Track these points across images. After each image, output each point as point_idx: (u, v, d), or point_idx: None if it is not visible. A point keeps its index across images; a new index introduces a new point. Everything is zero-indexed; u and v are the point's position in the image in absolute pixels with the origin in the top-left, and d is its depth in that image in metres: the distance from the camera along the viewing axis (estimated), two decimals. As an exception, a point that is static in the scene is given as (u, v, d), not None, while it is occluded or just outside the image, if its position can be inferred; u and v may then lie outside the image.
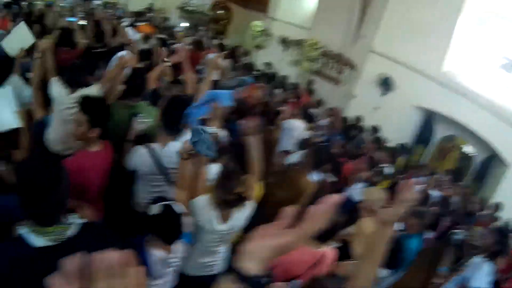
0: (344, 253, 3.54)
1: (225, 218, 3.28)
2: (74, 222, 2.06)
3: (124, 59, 4.53)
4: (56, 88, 4.10)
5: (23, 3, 12.39)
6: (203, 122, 3.83)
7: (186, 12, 19.07)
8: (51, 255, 1.80)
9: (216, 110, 3.65)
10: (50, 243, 1.94)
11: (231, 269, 1.18)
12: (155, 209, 2.86)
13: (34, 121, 4.13)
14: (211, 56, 9.63)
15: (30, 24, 6.76)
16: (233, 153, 3.77)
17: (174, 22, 18.12)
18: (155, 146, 3.70)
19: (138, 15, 15.55)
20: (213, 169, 3.55)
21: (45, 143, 4.01)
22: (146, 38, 9.59)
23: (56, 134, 4.05)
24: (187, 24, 17.31)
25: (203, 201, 3.22)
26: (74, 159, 3.23)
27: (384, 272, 3.74)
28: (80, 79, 4.24)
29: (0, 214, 2.52)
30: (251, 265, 1.18)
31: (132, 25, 11.89)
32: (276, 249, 1.20)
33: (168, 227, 2.87)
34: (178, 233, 2.94)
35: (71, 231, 2.02)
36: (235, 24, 20.03)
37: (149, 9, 19.38)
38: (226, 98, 3.58)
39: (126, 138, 3.93)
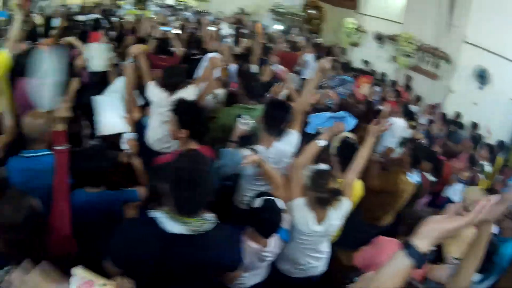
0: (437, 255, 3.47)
1: (321, 219, 3.25)
2: (210, 219, 2.20)
3: (215, 60, 4.64)
4: (154, 91, 4.33)
5: (112, 18, 13.01)
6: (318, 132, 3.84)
7: (278, 14, 19.15)
8: (186, 243, 2.11)
9: (337, 129, 3.63)
10: (186, 232, 2.10)
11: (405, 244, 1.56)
12: (257, 202, 2.90)
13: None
14: (308, 56, 9.66)
15: (122, 37, 7.22)
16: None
17: (267, 24, 18.30)
18: (260, 147, 3.71)
19: (236, 22, 15.79)
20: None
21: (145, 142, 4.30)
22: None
23: (155, 134, 4.36)
24: (281, 27, 17.35)
25: (299, 203, 3.23)
26: (166, 158, 3.36)
27: (476, 277, 3.61)
28: (177, 82, 4.39)
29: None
30: (423, 243, 1.53)
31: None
32: (446, 232, 1.55)
33: (267, 221, 2.90)
34: (276, 228, 2.96)
35: (207, 226, 2.16)
36: (328, 22, 19.88)
37: (241, 13, 19.72)
38: (351, 123, 3.59)
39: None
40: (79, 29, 7.58)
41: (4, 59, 4.27)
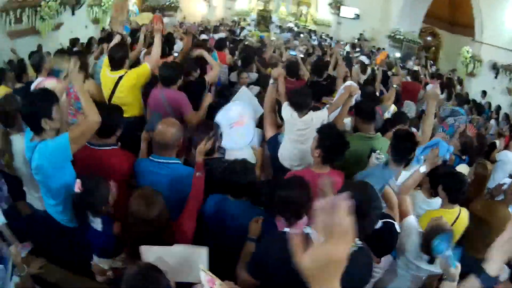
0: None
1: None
2: (357, 244, 2.28)
3: (352, 88, 4.74)
4: (287, 111, 4.48)
5: (236, 37, 13.47)
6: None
7: (395, 41, 18.90)
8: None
9: (432, 155, 3.50)
10: None
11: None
12: (378, 224, 2.87)
13: (268, 139, 4.68)
14: (430, 87, 9.55)
15: (249, 57, 7.56)
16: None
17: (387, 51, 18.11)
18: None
19: (353, 47, 15.80)
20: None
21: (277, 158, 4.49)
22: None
23: (286, 152, 4.50)
24: (398, 54, 17.12)
25: (412, 220, 3.32)
26: (299, 173, 3.58)
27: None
28: (305, 103, 4.46)
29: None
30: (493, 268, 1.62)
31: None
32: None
33: (385, 243, 2.97)
34: (391, 250, 3.07)
35: (352, 249, 2.21)
36: (445, 50, 19.42)
37: (360, 38, 19.71)
38: (444, 148, 3.61)
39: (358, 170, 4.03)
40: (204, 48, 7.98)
41: (146, 71, 4.92)
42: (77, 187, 2.93)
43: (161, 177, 3.38)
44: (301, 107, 4.37)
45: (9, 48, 9.62)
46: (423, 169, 3.44)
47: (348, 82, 5.52)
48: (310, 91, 4.66)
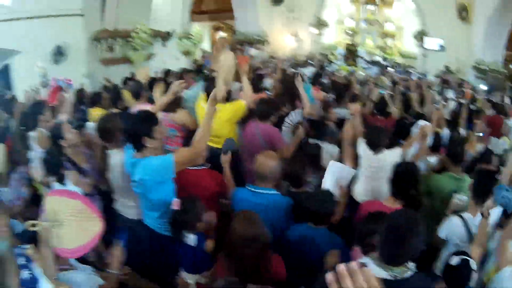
0: None
1: None
2: (411, 268, 2.39)
3: (425, 129, 4.78)
4: (362, 147, 4.65)
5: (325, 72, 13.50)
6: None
7: (480, 72, 18.21)
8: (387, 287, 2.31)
9: None
10: (388, 278, 2.33)
11: None
12: (454, 260, 3.00)
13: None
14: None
15: (342, 93, 7.64)
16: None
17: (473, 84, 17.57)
18: (468, 216, 3.71)
19: (444, 81, 15.41)
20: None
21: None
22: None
23: (361, 188, 4.65)
24: (485, 87, 16.53)
25: (508, 273, 3.08)
26: (366, 206, 3.74)
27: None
28: (379, 142, 4.59)
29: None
30: None
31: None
32: None
33: (461, 280, 2.97)
34: (465, 286, 3.03)
35: (408, 274, 2.37)
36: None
37: (446, 71, 19.14)
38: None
39: (444, 210, 4.10)
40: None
41: (241, 107, 5.23)
42: (175, 205, 3.30)
43: (257, 206, 3.51)
44: (375, 145, 4.50)
45: (103, 75, 10.47)
46: None
47: (423, 122, 5.61)
48: (386, 131, 4.80)
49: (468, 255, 3.03)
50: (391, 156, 4.43)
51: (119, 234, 3.83)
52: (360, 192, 4.63)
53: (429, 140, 4.92)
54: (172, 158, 3.32)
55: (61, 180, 4.03)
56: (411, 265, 2.40)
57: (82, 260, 2.98)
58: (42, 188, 4.96)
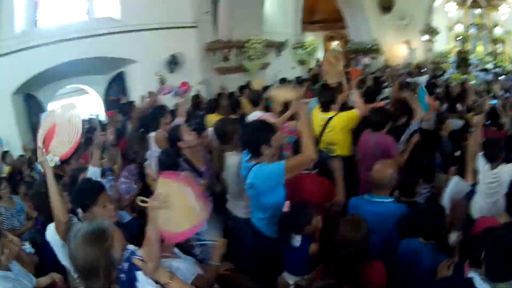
0: None
1: None
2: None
3: None
4: (480, 162, 4.36)
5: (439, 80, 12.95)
6: None
7: None
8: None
9: None
10: None
11: None
12: None
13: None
14: None
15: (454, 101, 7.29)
16: None
17: None
18: None
19: None
20: None
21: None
22: None
23: (477, 204, 4.28)
24: None
25: None
26: (481, 222, 3.59)
27: None
28: (496, 156, 4.29)
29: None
30: None
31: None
32: None
33: None
34: None
35: None
36: None
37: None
38: None
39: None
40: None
41: (355, 116, 5.32)
42: (286, 207, 3.45)
43: (373, 215, 3.56)
44: (492, 159, 4.26)
45: (217, 83, 11.09)
46: None
47: None
48: (502, 143, 4.52)
49: None
50: (509, 171, 4.14)
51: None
52: (476, 209, 4.30)
53: None
54: (283, 165, 3.43)
55: None
56: None
57: (185, 251, 3.16)
58: (155, 185, 5.21)
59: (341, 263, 2.94)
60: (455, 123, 6.28)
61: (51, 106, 10.80)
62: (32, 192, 4.26)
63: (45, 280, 3.75)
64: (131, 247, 2.20)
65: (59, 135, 3.28)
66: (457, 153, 5.39)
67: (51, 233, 3.26)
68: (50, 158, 3.23)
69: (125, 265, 2.22)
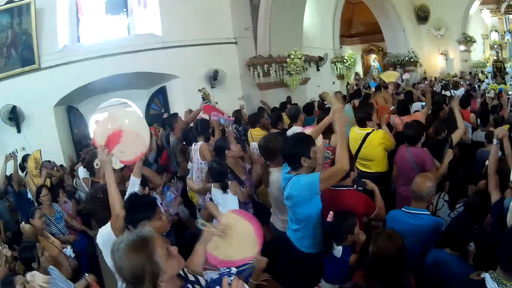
0: None
1: None
2: None
3: None
4: None
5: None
6: None
7: None
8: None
9: None
10: None
11: None
12: None
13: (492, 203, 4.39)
14: None
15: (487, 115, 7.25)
16: None
17: None
18: None
19: None
20: None
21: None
22: None
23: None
24: None
25: None
26: None
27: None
28: None
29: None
30: None
31: None
32: None
33: None
34: None
35: None
36: None
37: None
38: None
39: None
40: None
41: (390, 138, 5.57)
42: (330, 217, 3.60)
43: (409, 226, 3.75)
44: None
45: (258, 98, 11.36)
46: None
47: None
48: None
49: None
50: None
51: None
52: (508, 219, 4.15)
53: None
54: (317, 175, 3.51)
55: (224, 188, 4.58)
56: None
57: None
58: (198, 198, 5.70)
59: (382, 274, 3.06)
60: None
61: (93, 119, 11.12)
62: (89, 197, 4.45)
63: (81, 284, 4.02)
64: (234, 269, 2.35)
65: (125, 142, 3.54)
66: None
67: (104, 234, 3.42)
68: (115, 160, 3.49)
69: (216, 277, 2.34)
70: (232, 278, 2.15)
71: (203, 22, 11.07)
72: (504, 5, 21.09)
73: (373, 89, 11.27)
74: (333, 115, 3.85)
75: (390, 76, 11.44)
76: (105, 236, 3.37)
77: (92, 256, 5.28)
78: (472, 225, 3.48)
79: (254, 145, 5.76)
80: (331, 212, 3.62)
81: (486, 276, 2.43)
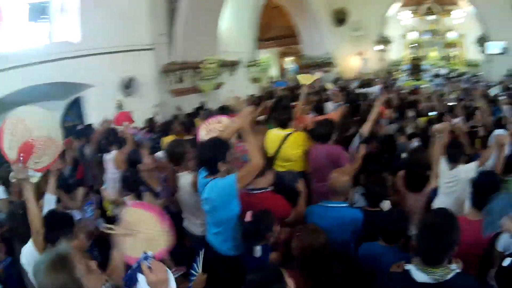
0: None
1: None
2: (453, 269, 2.40)
3: (500, 138, 4.55)
4: (443, 163, 4.62)
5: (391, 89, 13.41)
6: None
7: None
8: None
9: None
10: (430, 281, 2.36)
11: None
12: (507, 261, 2.83)
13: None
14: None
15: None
16: None
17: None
18: None
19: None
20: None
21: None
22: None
23: (441, 204, 4.46)
24: None
25: None
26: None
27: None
28: (458, 156, 4.56)
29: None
30: None
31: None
32: None
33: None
34: None
35: (450, 276, 2.37)
36: None
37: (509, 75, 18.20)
38: None
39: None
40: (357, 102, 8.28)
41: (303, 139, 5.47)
42: (248, 216, 3.51)
43: (330, 219, 3.81)
44: (454, 160, 4.51)
45: (173, 105, 11.08)
46: None
47: (498, 131, 5.54)
48: (461, 144, 4.82)
49: None
50: (465, 171, 4.35)
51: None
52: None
53: (508, 150, 4.64)
54: (234, 176, 3.52)
55: (139, 197, 4.44)
56: (453, 266, 2.43)
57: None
58: (112, 208, 5.50)
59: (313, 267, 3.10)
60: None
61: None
62: (9, 214, 4.35)
63: None
64: (150, 253, 2.26)
65: (38, 151, 3.37)
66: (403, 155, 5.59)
67: (27, 254, 3.32)
68: (32, 174, 3.37)
69: (135, 265, 2.28)
70: (149, 260, 2.16)
71: (121, 28, 10.84)
72: (424, 7, 22.20)
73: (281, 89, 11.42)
74: (240, 120, 3.89)
75: (306, 79, 11.80)
76: (28, 255, 3.30)
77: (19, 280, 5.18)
78: (402, 218, 3.56)
79: (160, 153, 5.74)
80: (249, 212, 3.58)
81: (411, 267, 2.46)
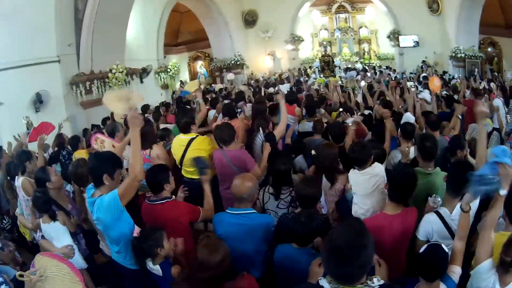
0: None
1: (504, 283, 2.85)
2: (374, 285, 2.19)
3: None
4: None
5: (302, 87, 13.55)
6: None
7: (457, 60, 18.26)
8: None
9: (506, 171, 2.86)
10: None
11: None
12: (423, 248, 3.00)
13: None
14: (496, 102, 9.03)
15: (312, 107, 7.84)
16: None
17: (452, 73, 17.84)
18: (444, 211, 3.56)
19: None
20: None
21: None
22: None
23: (359, 206, 4.42)
24: (461, 74, 16.77)
25: (486, 266, 2.91)
26: (369, 222, 3.37)
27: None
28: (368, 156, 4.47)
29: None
30: None
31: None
32: None
33: (429, 264, 2.91)
34: (438, 274, 2.94)
35: None
36: (508, 57, 18.63)
37: (423, 65, 19.37)
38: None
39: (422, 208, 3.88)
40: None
41: (208, 143, 5.44)
42: (136, 233, 3.54)
43: (238, 227, 3.68)
44: (361, 162, 4.34)
45: (84, 118, 11.16)
46: (503, 192, 2.90)
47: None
48: (365, 145, 4.62)
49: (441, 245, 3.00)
50: (379, 167, 4.38)
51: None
52: (359, 212, 4.39)
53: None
54: (115, 192, 3.40)
55: (53, 217, 4.30)
56: (375, 280, 2.24)
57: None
58: (30, 234, 5.36)
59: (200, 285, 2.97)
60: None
61: None
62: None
63: None
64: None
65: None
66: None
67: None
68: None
69: None
70: None
71: (26, 41, 10.28)
72: (335, 6, 22.95)
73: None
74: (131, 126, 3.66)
75: (192, 86, 11.93)
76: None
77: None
78: (315, 220, 3.41)
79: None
80: (137, 228, 3.59)
81: (323, 281, 2.26)
